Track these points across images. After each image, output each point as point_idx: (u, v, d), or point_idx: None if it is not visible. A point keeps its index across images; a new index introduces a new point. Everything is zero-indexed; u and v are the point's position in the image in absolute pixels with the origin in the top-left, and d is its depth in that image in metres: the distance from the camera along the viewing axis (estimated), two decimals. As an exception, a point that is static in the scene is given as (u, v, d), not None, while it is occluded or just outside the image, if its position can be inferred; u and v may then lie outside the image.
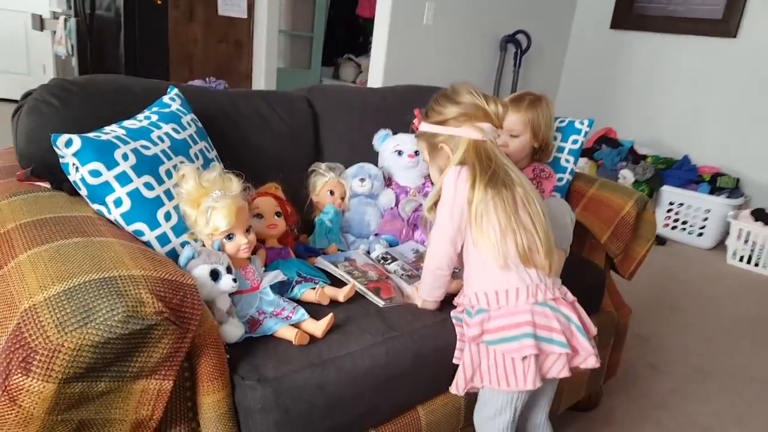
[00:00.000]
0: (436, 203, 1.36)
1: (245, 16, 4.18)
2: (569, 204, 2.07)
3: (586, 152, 4.45)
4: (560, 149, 2.10)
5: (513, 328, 1.24)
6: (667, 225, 4.21)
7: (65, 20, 4.43)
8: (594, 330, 1.33)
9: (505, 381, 1.25)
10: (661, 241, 4.15)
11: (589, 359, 1.27)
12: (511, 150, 1.86)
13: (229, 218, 1.24)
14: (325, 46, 5.87)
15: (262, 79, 4.29)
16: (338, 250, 1.74)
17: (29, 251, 1.03)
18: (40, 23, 5.02)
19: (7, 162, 1.49)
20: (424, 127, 1.42)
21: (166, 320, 0.95)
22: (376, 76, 3.75)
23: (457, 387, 1.32)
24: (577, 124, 2.10)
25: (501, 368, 1.25)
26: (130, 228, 1.22)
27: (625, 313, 2.12)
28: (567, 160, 2.10)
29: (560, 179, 2.07)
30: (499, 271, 1.27)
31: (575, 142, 2.09)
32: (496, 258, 1.26)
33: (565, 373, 1.25)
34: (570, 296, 1.33)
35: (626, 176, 4.14)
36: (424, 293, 1.43)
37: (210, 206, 1.24)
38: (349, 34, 6.00)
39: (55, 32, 4.85)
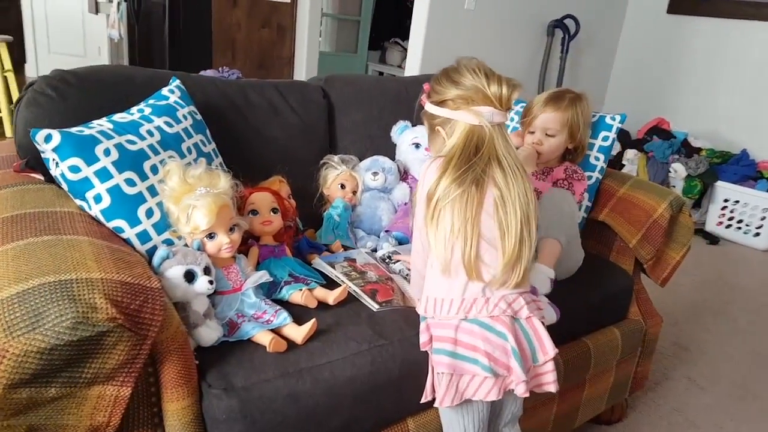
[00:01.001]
0: None
1: (288, 0, 4.15)
2: (595, 204, 1.96)
3: (635, 143, 4.24)
4: (590, 146, 1.97)
5: (438, 340, 1.17)
6: (720, 223, 3.98)
7: (118, 4, 4.52)
8: (551, 351, 1.17)
9: (436, 393, 1.17)
10: (713, 240, 3.93)
11: (519, 386, 1.13)
12: (544, 149, 1.77)
13: (210, 217, 1.20)
14: (372, 30, 5.80)
15: (303, 64, 4.26)
16: (343, 247, 1.68)
17: (-2, 248, 1.01)
18: (95, 6, 5.14)
19: (8, 152, 1.49)
20: (427, 106, 1.30)
21: (120, 327, 0.91)
22: (413, 64, 3.66)
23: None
24: (608, 120, 1.97)
25: (437, 379, 1.18)
26: (111, 225, 1.20)
27: (655, 322, 1.98)
28: (597, 158, 1.97)
29: (589, 178, 1.95)
30: (439, 277, 1.19)
31: (606, 138, 1.96)
32: (438, 259, 1.18)
33: (492, 397, 1.14)
34: (524, 313, 1.17)
35: (678, 170, 3.93)
36: (413, 291, 1.38)
37: (191, 204, 1.21)
38: (396, 17, 5.91)
39: (108, 15, 4.97)
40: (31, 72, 5.82)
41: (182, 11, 3.73)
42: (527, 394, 1.14)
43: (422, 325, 1.22)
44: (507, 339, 1.13)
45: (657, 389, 2.24)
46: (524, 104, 1.96)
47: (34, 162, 1.36)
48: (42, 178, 1.34)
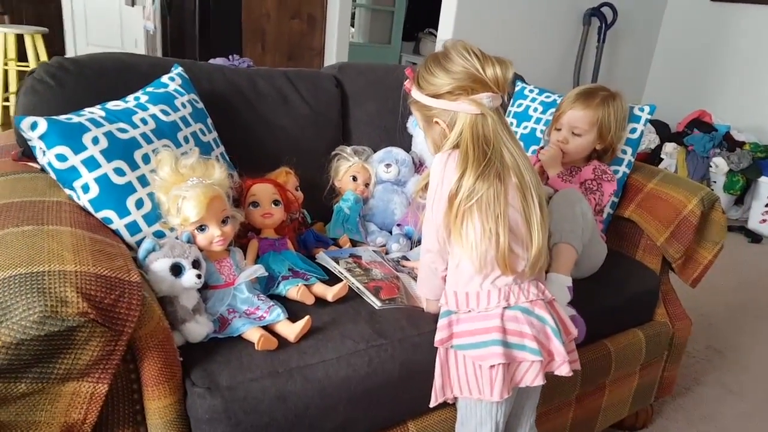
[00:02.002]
0: (426, 185, 1.21)
1: (319, -9, 4.10)
2: (622, 200, 1.86)
3: (675, 137, 4.07)
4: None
5: (481, 333, 1.11)
6: (764, 221, 3.80)
7: (153, -4, 4.54)
8: (574, 332, 1.21)
9: (477, 390, 1.12)
10: (755, 238, 3.76)
11: (563, 366, 1.13)
12: (570, 149, 1.69)
13: (199, 208, 1.15)
14: (406, 21, 5.72)
15: (334, 55, 4.21)
16: (351, 242, 1.62)
17: (-24, 239, 0.98)
18: (131, -1, 5.18)
19: (13, 140, 1.47)
20: (416, 95, 1.22)
21: (91, 321, 0.87)
22: (441, 53, 3.57)
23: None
24: (637, 111, 1.87)
25: (471, 376, 1.12)
26: (99, 215, 1.16)
27: (684, 325, 1.87)
28: (624, 151, 1.87)
29: (615, 172, 1.85)
30: (473, 273, 1.13)
31: (633, 131, 1.86)
32: (471, 259, 1.12)
33: (539, 381, 1.11)
34: (548, 295, 1.18)
35: (719, 164, 3.76)
36: (422, 290, 1.31)
37: (180, 195, 1.16)
38: (430, 7, 5.81)
39: (144, 7, 5.00)
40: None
41: (212, 2, 3.71)
42: (571, 373, 1.14)
43: (443, 321, 1.17)
44: (546, 322, 1.13)
45: (687, 395, 2.13)
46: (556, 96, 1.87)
47: (30, 150, 1.33)
48: (38, 166, 1.32)
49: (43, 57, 4.25)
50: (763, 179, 3.75)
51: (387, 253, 1.63)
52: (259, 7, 3.84)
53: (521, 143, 1.20)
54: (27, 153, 1.34)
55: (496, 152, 1.14)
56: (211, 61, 1.94)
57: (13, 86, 4.35)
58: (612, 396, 1.71)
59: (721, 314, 2.74)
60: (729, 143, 3.90)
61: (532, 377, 1.12)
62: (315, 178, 1.71)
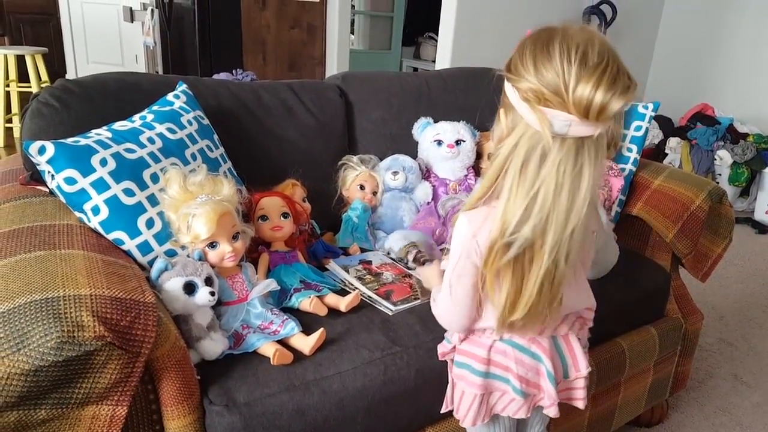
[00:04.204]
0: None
1: (317, 0, 4.12)
2: (629, 198, 1.86)
3: (678, 131, 4.07)
4: (622, 137, 1.87)
5: (469, 356, 1.07)
6: (769, 212, 3.79)
7: (152, 11, 4.56)
8: (584, 370, 1.07)
9: (455, 409, 1.10)
10: (762, 229, 3.74)
11: (551, 409, 1.04)
12: None
13: (210, 225, 1.15)
14: (405, 26, 5.73)
15: (335, 63, 4.22)
16: (360, 249, 1.63)
17: (-12, 266, 0.99)
18: (130, 15, 5.21)
19: (21, 165, 1.48)
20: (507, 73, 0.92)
21: (108, 345, 0.88)
22: (444, 56, 3.58)
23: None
24: (641, 109, 1.87)
25: (457, 393, 1.10)
26: (110, 236, 1.16)
27: (695, 319, 1.87)
28: (630, 149, 1.88)
29: (622, 170, 1.85)
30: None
31: (638, 128, 1.86)
32: (495, 319, 1.00)
33: (521, 415, 1.06)
34: (563, 329, 1.06)
35: (723, 157, 3.75)
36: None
37: (190, 212, 1.16)
38: (429, 11, 5.81)
39: (143, 23, 5.02)
40: (59, 82, 5.95)
41: (211, 15, 3.73)
42: (558, 415, 1.05)
43: (446, 343, 1.14)
44: (542, 361, 1.04)
45: (700, 388, 2.12)
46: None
47: (38, 174, 1.34)
48: (47, 190, 1.32)
49: (45, 77, 4.26)
50: (767, 170, 3.74)
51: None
52: (259, 18, 3.86)
53: (599, 215, 0.96)
54: (35, 177, 1.34)
55: (535, 204, 0.88)
56: (215, 76, 1.94)
57: (15, 107, 4.37)
58: (627, 393, 1.71)
59: (731, 306, 2.73)
60: (732, 135, 3.89)
61: (514, 410, 1.07)
62: (323, 189, 1.71)
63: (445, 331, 1.17)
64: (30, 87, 4.27)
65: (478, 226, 0.94)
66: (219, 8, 3.74)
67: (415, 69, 5.77)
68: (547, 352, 1.04)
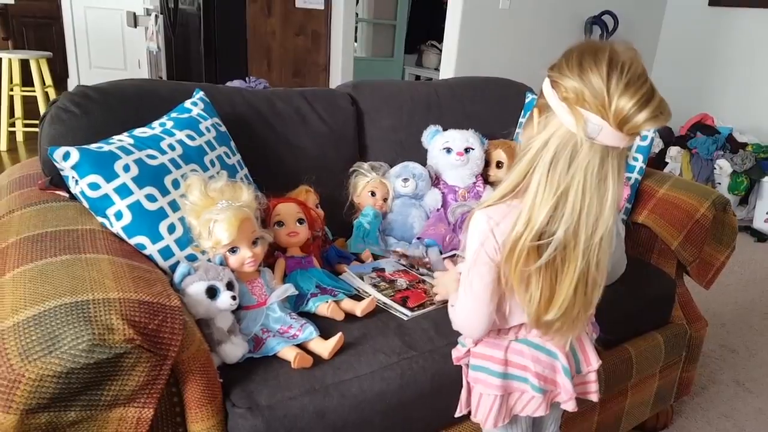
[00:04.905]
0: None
1: (322, 7, 4.15)
2: (635, 206, 1.89)
3: (678, 140, 4.11)
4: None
5: (486, 359, 1.09)
6: (768, 220, 3.83)
7: (156, 16, 4.58)
8: (595, 364, 1.12)
9: (474, 411, 1.13)
10: (761, 237, 3.78)
11: (569, 402, 1.09)
12: None
13: (231, 231, 1.17)
14: (408, 34, 5.77)
15: (339, 70, 4.25)
16: (372, 255, 1.65)
17: (16, 269, 1.00)
18: (134, 20, 5.23)
19: (38, 169, 1.49)
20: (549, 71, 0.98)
21: (138, 348, 0.89)
22: (448, 66, 3.61)
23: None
24: (646, 117, 1.89)
25: (475, 397, 1.13)
26: (132, 241, 1.18)
27: (700, 326, 1.90)
28: (635, 158, 1.90)
29: (628, 179, 1.88)
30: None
31: (644, 138, 1.89)
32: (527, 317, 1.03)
33: (540, 413, 1.09)
34: None
35: (723, 166, 3.79)
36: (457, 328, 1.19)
37: (212, 218, 1.18)
38: (432, 19, 5.86)
39: (147, 28, 5.05)
40: (73, 86, 5.96)
41: (217, 22, 3.76)
42: (576, 409, 1.09)
43: (461, 348, 1.16)
44: (557, 358, 1.08)
45: (704, 394, 2.15)
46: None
47: (58, 179, 1.35)
48: (66, 195, 1.34)
49: (49, 81, 4.28)
50: (766, 179, 3.78)
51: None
52: (264, 25, 3.89)
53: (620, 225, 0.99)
54: (55, 182, 1.36)
55: (566, 205, 0.92)
56: (228, 83, 1.97)
57: (18, 111, 4.38)
58: (634, 398, 1.73)
59: (732, 313, 2.76)
60: (732, 145, 3.93)
61: (533, 408, 1.10)
62: (334, 195, 1.73)
63: (459, 335, 1.20)
64: (34, 91, 4.28)
65: (496, 222, 0.97)
66: (225, 15, 3.77)
67: (418, 77, 5.81)
68: (561, 349, 1.07)
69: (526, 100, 2.13)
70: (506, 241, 0.95)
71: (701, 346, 1.94)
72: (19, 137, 4.44)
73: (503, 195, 0.98)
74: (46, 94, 4.28)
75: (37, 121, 4.21)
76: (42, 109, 4.20)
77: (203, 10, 3.76)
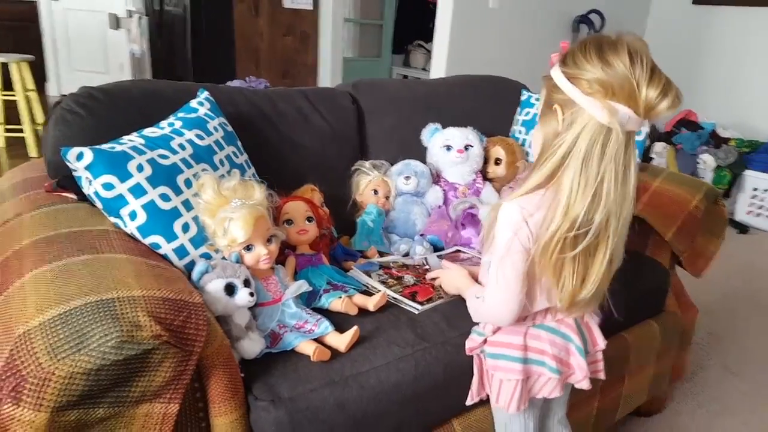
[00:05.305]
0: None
1: (311, 8, 4.15)
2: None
3: (664, 136, 4.19)
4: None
5: (505, 346, 1.14)
6: (750, 212, 3.92)
7: (139, 18, 4.54)
8: (602, 344, 1.20)
9: (495, 398, 1.17)
10: (743, 229, 3.87)
11: (583, 381, 1.15)
12: None
13: (246, 229, 1.18)
14: (395, 34, 5.79)
15: (328, 70, 4.25)
16: (378, 253, 1.67)
17: (35, 270, 1.00)
18: (116, 22, 5.17)
19: (39, 172, 1.49)
20: (554, 72, 1.01)
21: (165, 343, 0.90)
22: (439, 65, 3.65)
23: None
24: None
25: (495, 384, 1.17)
26: (147, 241, 1.19)
27: (691, 314, 1.96)
28: (629, 151, 1.94)
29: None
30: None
31: (639, 133, 1.93)
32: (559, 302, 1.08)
33: (556, 394, 1.14)
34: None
35: (707, 161, 3.88)
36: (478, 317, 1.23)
37: (227, 216, 1.20)
38: (419, 19, 5.88)
39: (130, 30, 4.99)
40: (52, 90, 5.87)
41: (204, 23, 3.75)
42: (590, 387, 1.16)
43: (476, 337, 1.20)
44: (571, 340, 1.14)
45: (694, 379, 2.21)
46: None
47: (65, 181, 1.35)
48: (74, 197, 1.34)
49: (30, 85, 4.21)
50: (748, 173, 3.88)
51: (407, 254, 1.69)
52: (252, 26, 3.89)
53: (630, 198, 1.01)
54: (62, 184, 1.36)
55: (601, 194, 0.96)
56: (229, 83, 1.97)
57: (-1, 116, 4.32)
58: (632, 384, 1.77)
59: (717, 302, 2.83)
60: (715, 140, 4.03)
61: (549, 390, 1.15)
62: (337, 194, 1.75)
63: (471, 327, 1.23)
64: (14, 95, 4.21)
65: (530, 213, 1.00)
66: (211, 16, 3.77)
67: (405, 76, 5.83)
68: (574, 331, 1.14)
69: (522, 98, 2.16)
70: (541, 233, 0.99)
71: (693, 333, 2.01)
72: (1, 142, 4.37)
73: (533, 187, 1.01)
74: (28, 99, 4.21)
75: (18, 126, 4.19)
76: (23, 115, 4.15)
77: (190, 11, 3.75)
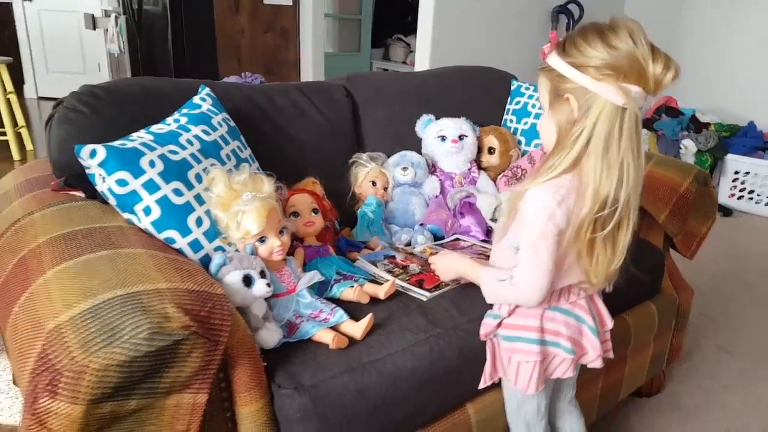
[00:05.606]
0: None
1: (291, 3, 4.15)
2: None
3: (645, 123, 4.26)
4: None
5: (521, 329, 1.17)
6: (732, 195, 4.02)
7: (116, 18, 4.50)
8: (610, 323, 1.25)
9: (514, 380, 1.20)
10: (726, 212, 3.95)
11: (596, 361, 1.19)
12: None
13: (260, 221, 1.20)
14: (373, 28, 5.79)
15: (310, 66, 4.25)
16: (380, 243, 1.69)
17: (57, 267, 1.01)
18: (92, 22, 5.11)
19: (44, 172, 1.49)
20: (555, 61, 1.04)
21: (194, 334, 0.92)
22: (423, 56, 3.67)
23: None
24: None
25: (513, 366, 1.19)
26: (161, 236, 1.20)
27: (687, 294, 2.01)
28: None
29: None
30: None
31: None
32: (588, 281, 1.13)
33: (569, 374, 1.18)
34: (590, 290, 1.20)
35: (688, 146, 3.96)
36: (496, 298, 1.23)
37: (240, 210, 1.21)
38: (397, 13, 5.90)
39: (107, 30, 4.94)
40: (30, 92, 5.80)
41: (184, 21, 3.72)
42: (602, 366, 1.20)
43: (490, 321, 1.22)
44: (584, 321, 1.17)
45: (690, 359, 2.27)
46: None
47: (73, 179, 1.36)
48: (82, 195, 1.34)
49: (9, 87, 4.16)
50: (729, 157, 3.97)
51: (409, 243, 1.72)
52: (233, 23, 3.88)
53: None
54: (69, 182, 1.36)
55: (624, 173, 1.01)
56: (225, 79, 1.98)
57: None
58: (632, 365, 1.81)
59: (707, 284, 2.89)
60: (695, 125, 4.11)
61: (563, 370, 1.18)
62: (336, 186, 1.76)
63: (479, 312, 1.26)
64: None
65: (562, 196, 1.03)
66: (192, 13, 3.75)
67: (386, 71, 5.84)
68: (586, 312, 1.17)
69: (512, 88, 2.19)
70: (573, 216, 1.03)
71: (688, 314, 2.05)
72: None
73: (560, 173, 1.04)
74: (8, 101, 4.16)
75: (1, 129, 4.14)
76: (5, 118, 4.10)
77: (170, 9, 3.73)
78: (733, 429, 1.90)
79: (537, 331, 1.15)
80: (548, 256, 1.05)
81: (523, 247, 1.08)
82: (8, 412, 1.71)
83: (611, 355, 1.28)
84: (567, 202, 1.03)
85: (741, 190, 4.00)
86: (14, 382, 1.43)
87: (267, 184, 1.28)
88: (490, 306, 1.25)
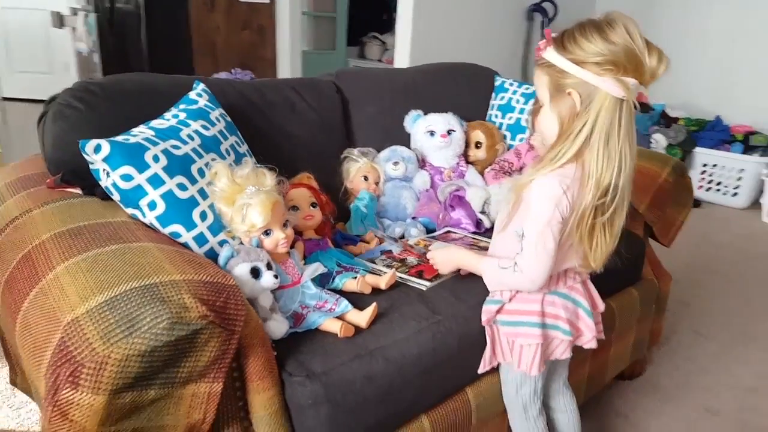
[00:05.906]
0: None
1: (268, 1, 4.12)
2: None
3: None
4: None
5: (522, 314, 1.22)
6: (701, 187, 4.16)
7: (85, 16, 4.41)
8: (602, 306, 1.32)
9: (517, 363, 1.25)
10: (696, 203, 4.07)
11: (592, 341, 1.27)
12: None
13: (265, 214, 1.21)
14: (349, 26, 5.79)
15: (287, 63, 4.23)
16: (375, 235, 1.71)
17: (66, 262, 1.01)
18: (59, 20, 4.99)
19: (35, 170, 1.47)
20: (553, 57, 1.08)
21: (211, 323, 0.93)
22: (402, 54, 3.70)
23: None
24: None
25: (516, 350, 1.25)
26: (167, 230, 1.20)
27: (665, 280, 2.08)
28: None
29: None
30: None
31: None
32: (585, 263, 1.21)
33: (567, 355, 1.25)
34: (584, 275, 1.27)
35: (659, 140, 4.07)
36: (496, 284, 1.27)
37: (245, 203, 1.22)
38: (372, 11, 5.91)
39: (75, 29, 4.83)
40: (-6, 94, 5.67)
41: (159, 18, 3.68)
42: (596, 346, 1.27)
43: (491, 307, 1.26)
44: (581, 305, 1.23)
45: (668, 343, 2.36)
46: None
47: (69, 176, 1.35)
48: (80, 191, 1.34)
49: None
50: (697, 150, 4.11)
51: (402, 236, 1.75)
52: (208, 20, 3.85)
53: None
54: (66, 179, 1.35)
55: (623, 161, 1.07)
56: (215, 75, 1.98)
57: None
58: (617, 349, 1.87)
59: (682, 271, 2.98)
60: (665, 120, 4.24)
61: (561, 351, 1.25)
62: (328, 181, 1.78)
63: (477, 299, 1.30)
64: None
65: (567, 185, 1.08)
66: (166, 11, 3.71)
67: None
68: (582, 295, 1.24)
69: (496, 83, 2.24)
70: (578, 204, 1.08)
71: (667, 299, 2.13)
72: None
73: (564, 163, 1.09)
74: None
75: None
76: (-27, 118, 4.01)
77: (143, 7, 3.68)
78: (711, 407, 1.98)
79: (539, 315, 1.20)
80: (553, 244, 1.10)
81: (528, 235, 1.12)
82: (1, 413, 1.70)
83: (603, 336, 1.33)
84: (572, 190, 1.08)
85: (709, 182, 4.14)
86: (12, 382, 1.41)
87: (269, 178, 1.30)
88: (487, 293, 1.29)
